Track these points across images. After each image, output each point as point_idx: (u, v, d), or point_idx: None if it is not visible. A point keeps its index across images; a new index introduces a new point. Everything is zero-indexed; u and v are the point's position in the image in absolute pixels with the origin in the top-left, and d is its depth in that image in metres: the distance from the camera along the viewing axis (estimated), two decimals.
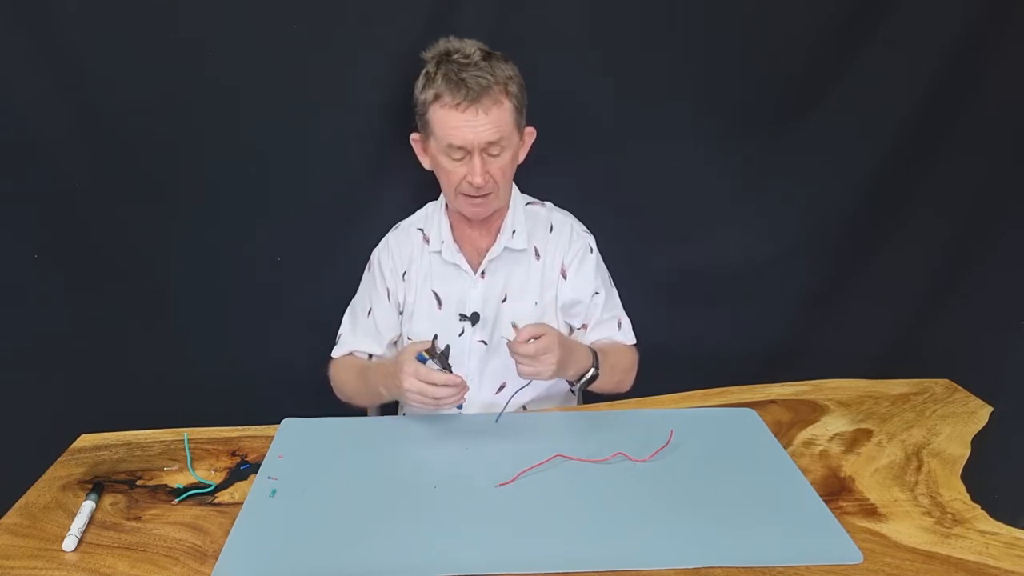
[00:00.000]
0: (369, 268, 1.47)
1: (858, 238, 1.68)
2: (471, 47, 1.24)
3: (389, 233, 1.47)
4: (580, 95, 1.52)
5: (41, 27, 1.35)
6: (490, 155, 1.25)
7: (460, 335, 1.39)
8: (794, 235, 1.68)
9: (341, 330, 1.47)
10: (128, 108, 1.42)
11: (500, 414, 1.28)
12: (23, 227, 1.48)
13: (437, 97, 1.23)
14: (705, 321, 1.73)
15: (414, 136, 1.34)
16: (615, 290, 1.47)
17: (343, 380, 1.43)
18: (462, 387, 1.17)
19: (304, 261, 1.59)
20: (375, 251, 1.46)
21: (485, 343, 1.40)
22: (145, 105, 1.42)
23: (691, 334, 1.72)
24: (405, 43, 1.35)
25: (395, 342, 1.46)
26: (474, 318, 1.39)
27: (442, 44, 1.26)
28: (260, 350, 1.64)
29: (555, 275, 1.40)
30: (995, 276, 1.63)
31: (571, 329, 1.45)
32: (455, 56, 1.23)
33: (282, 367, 1.60)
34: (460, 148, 1.24)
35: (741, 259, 1.68)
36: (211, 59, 1.41)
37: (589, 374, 1.28)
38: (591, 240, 1.43)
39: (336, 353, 1.46)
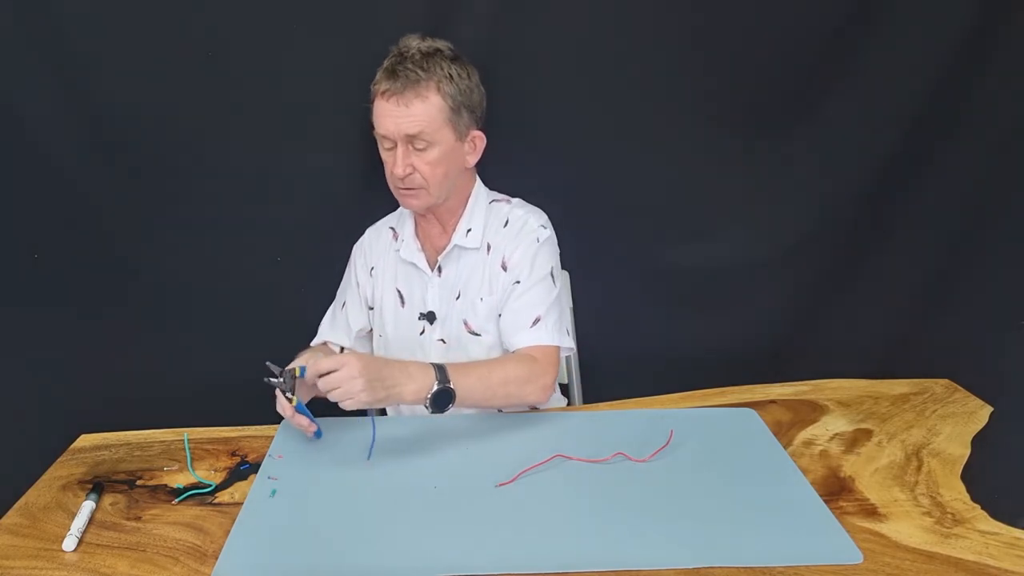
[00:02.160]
0: (348, 263, 1.50)
1: (858, 238, 1.68)
2: (417, 43, 1.28)
3: (367, 229, 1.50)
4: (579, 95, 1.52)
5: (41, 27, 1.35)
6: (415, 148, 1.28)
7: (421, 334, 1.41)
8: (794, 235, 1.68)
9: (322, 322, 1.50)
10: (128, 108, 1.43)
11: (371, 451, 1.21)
12: (23, 227, 1.48)
13: (375, 85, 1.28)
14: (705, 321, 1.73)
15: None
16: (554, 289, 1.36)
17: None
18: (293, 419, 1.19)
19: (304, 261, 1.59)
20: (354, 246, 1.50)
21: (444, 342, 1.40)
22: (145, 105, 1.43)
23: (691, 334, 1.72)
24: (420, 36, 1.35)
25: (368, 336, 1.49)
26: (430, 316, 1.40)
27: (401, 40, 1.30)
28: (260, 350, 1.63)
29: (498, 268, 1.38)
30: (995, 276, 1.63)
31: None
32: (401, 49, 1.28)
33: (282, 367, 1.60)
34: (385, 137, 1.29)
35: (741, 259, 1.68)
36: (211, 60, 1.41)
37: (434, 388, 1.17)
38: (542, 233, 1.37)
39: (313, 344, 1.48)
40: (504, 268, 1.38)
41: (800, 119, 1.58)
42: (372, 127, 1.34)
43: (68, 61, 1.38)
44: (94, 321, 1.57)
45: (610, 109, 1.54)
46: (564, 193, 1.50)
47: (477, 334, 1.38)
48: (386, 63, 1.28)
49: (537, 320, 1.33)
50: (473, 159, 1.37)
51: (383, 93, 1.26)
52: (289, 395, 1.17)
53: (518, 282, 1.35)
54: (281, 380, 1.17)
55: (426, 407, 1.19)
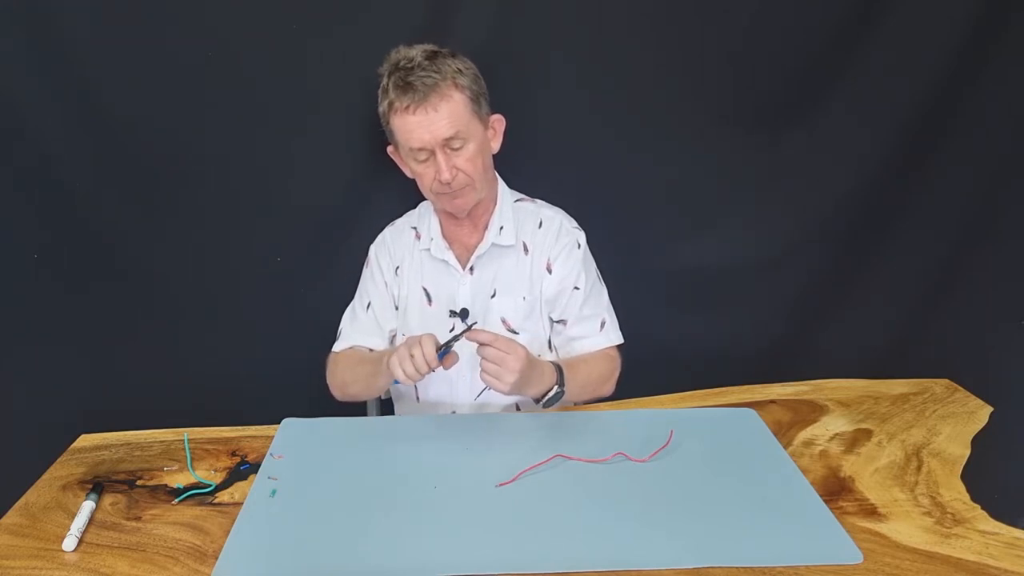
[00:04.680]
0: (367, 264, 1.49)
1: (858, 238, 1.68)
2: (415, 51, 1.27)
3: (385, 229, 1.49)
4: (579, 96, 1.52)
5: (41, 28, 1.35)
6: (452, 149, 1.28)
7: (451, 331, 1.40)
8: (794, 235, 1.68)
9: (341, 327, 1.47)
10: (128, 109, 1.43)
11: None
12: (23, 227, 1.49)
13: (391, 105, 1.27)
14: (705, 321, 1.73)
15: (390, 148, 1.37)
16: (604, 289, 1.46)
17: (344, 366, 1.41)
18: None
19: (304, 261, 1.60)
20: (372, 246, 1.49)
21: None
22: (145, 106, 1.43)
23: (691, 334, 1.72)
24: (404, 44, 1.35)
25: (393, 336, 1.47)
26: (463, 314, 1.40)
27: (392, 55, 1.29)
28: (260, 350, 1.64)
29: (542, 270, 1.41)
30: (995, 276, 1.63)
31: (552, 324, 1.44)
32: (401, 63, 1.26)
33: (282, 367, 1.60)
34: (421, 149, 1.27)
35: (740, 259, 1.68)
36: (211, 60, 1.41)
37: (552, 392, 1.25)
38: (580, 236, 1.43)
39: (338, 347, 1.45)
40: (549, 271, 1.40)
41: (800, 119, 1.58)
42: (395, 148, 1.33)
43: (68, 61, 1.38)
44: (94, 321, 1.56)
45: (610, 110, 1.54)
46: (564, 194, 1.50)
47: (516, 332, 1.39)
48: (391, 80, 1.26)
49: (603, 324, 1.43)
50: (497, 144, 1.37)
51: (405, 109, 1.24)
52: (443, 344, 1.16)
53: (577, 288, 1.40)
54: (451, 338, 1.18)
55: (536, 402, 1.26)
